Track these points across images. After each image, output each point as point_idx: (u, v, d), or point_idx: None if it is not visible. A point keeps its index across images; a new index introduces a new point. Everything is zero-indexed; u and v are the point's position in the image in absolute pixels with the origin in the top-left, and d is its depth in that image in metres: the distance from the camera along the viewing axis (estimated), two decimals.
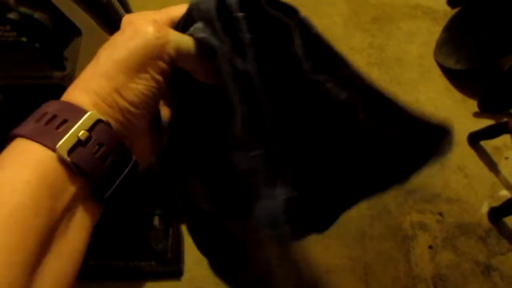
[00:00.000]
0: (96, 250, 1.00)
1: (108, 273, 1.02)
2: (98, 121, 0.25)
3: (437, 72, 1.53)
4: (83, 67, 0.65)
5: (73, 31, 0.64)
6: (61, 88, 0.63)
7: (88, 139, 0.24)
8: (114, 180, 0.26)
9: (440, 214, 1.29)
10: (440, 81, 1.51)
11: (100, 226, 0.27)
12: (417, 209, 1.30)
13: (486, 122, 1.37)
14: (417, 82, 1.51)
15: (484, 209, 1.28)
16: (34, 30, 0.55)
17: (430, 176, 1.35)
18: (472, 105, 1.45)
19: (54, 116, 0.24)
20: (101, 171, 0.25)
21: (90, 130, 0.24)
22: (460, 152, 1.37)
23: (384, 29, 1.65)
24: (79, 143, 0.24)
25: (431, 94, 1.48)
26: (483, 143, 1.37)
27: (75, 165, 0.24)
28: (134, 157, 0.27)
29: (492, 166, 1.35)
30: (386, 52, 1.59)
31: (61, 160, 0.23)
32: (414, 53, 1.58)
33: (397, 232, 1.27)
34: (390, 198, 1.31)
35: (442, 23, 1.60)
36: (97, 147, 0.25)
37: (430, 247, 1.24)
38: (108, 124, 0.26)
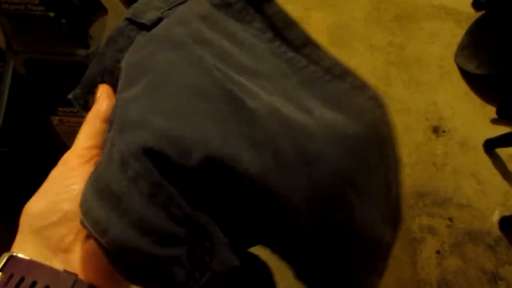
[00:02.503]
0: None
1: None
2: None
3: (456, 75, 1.51)
4: None
5: (99, 9, 0.63)
6: (84, 66, 0.62)
7: None
8: None
9: (450, 219, 1.27)
10: (459, 85, 1.49)
11: None
12: (427, 213, 1.28)
13: (503, 129, 1.35)
14: (436, 84, 1.49)
15: (495, 217, 1.26)
16: (62, 5, 0.54)
17: (442, 180, 1.33)
18: (491, 111, 1.42)
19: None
20: None
21: None
22: (475, 158, 1.36)
23: (405, 28, 1.63)
24: None
25: (449, 97, 1.46)
26: (499, 150, 1.35)
27: None
28: None
29: (506, 174, 1.33)
30: (406, 51, 1.57)
31: None
32: (434, 54, 1.56)
33: (405, 234, 1.26)
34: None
35: (465, 25, 1.57)
36: None
37: (438, 252, 1.23)
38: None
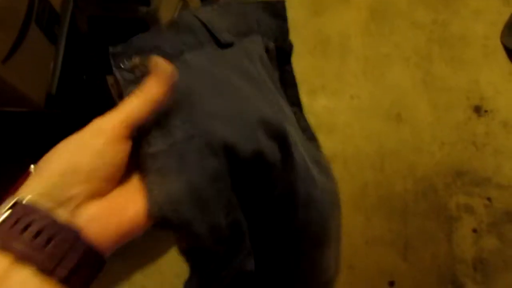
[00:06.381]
0: None
1: None
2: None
3: (502, 55, 1.46)
4: (167, 5, 0.67)
5: None
6: (144, 23, 0.65)
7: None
8: None
9: (489, 199, 1.26)
10: (505, 65, 1.44)
11: None
12: (465, 191, 1.27)
13: None
14: (480, 63, 1.45)
15: None
16: None
17: (482, 160, 1.31)
18: None
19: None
20: None
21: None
22: None
23: (450, 4, 1.58)
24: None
25: (493, 78, 1.42)
26: None
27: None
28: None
29: None
30: (449, 29, 1.53)
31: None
32: (479, 33, 1.51)
33: (441, 211, 1.25)
34: (437, 177, 1.29)
35: None
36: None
37: (474, 230, 1.22)
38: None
